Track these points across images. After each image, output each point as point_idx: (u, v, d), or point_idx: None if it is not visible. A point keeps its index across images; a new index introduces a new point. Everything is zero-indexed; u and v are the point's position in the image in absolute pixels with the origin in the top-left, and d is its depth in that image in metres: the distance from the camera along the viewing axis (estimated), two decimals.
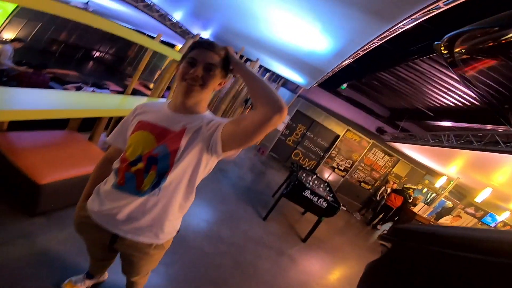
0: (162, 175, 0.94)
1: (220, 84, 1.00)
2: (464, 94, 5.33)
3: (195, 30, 7.73)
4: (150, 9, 5.99)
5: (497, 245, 0.65)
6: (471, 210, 9.48)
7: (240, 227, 3.51)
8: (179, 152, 0.93)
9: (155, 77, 12.41)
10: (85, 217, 1.07)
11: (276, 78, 9.09)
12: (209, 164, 1.00)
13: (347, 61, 4.67)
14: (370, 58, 5.12)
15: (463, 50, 2.34)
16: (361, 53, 4.10)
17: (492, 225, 9.26)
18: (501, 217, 8.60)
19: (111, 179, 1.02)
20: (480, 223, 9.39)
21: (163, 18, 6.50)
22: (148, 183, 0.95)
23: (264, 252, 3.24)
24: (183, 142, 0.93)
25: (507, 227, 9.22)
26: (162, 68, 12.19)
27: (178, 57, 3.31)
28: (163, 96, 3.96)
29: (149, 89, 7.73)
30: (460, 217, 7.61)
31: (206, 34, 7.99)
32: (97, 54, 13.52)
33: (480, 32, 1.99)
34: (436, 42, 2.70)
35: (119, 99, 3.04)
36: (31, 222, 1.90)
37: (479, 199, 6.04)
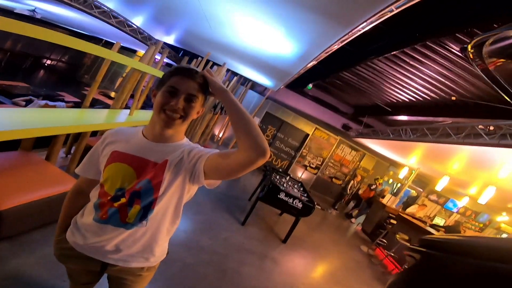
0: (147, 208, 0.93)
1: (198, 113, 0.98)
2: (416, 90, 5.80)
3: (157, 36, 7.49)
4: (107, 16, 5.67)
5: None
6: (434, 197, 10.28)
7: (220, 235, 3.46)
8: (162, 185, 0.92)
9: (117, 85, 11.76)
10: (67, 249, 1.00)
11: (244, 81, 9.11)
12: (190, 190, 1.00)
13: (311, 63, 4.83)
14: (332, 59, 5.35)
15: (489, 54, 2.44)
16: (324, 55, 4.27)
17: (454, 210, 10.10)
18: (461, 202, 9.34)
19: (90, 212, 0.97)
20: (443, 209, 10.23)
21: (122, 24, 6.20)
22: (133, 216, 0.93)
23: (247, 257, 3.23)
24: (166, 175, 0.92)
25: (468, 212, 10.19)
26: (124, 75, 11.59)
27: (139, 66, 3.16)
28: (126, 106, 3.77)
29: (110, 98, 7.31)
30: (425, 205, 8.22)
31: (169, 39, 7.78)
32: (48, 62, 12.47)
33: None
34: (464, 46, 2.77)
35: (76, 113, 2.83)
36: None
37: (439, 187, 6.54)
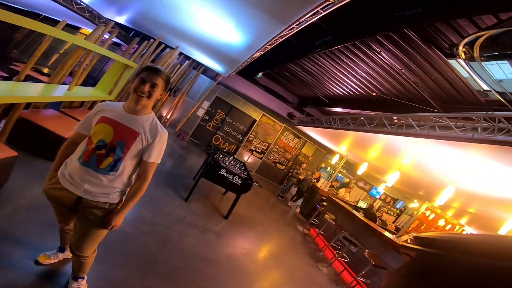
0: (117, 161, 1.38)
1: (161, 95, 1.45)
2: (348, 85, 6.63)
3: (107, 15, 6.99)
4: None
5: None
6: (362, 184, 11.79)
7: (162, 208, 3.60)
8: (131, 149, 1.39)
9: (51, 61, 10.55)
10: (55, 183, 1.42)
11: (196, 65, 9.10)
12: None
13: (258, 53, 5.18)
14: (281, 51, 5.79)
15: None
16: (269, 47, 4.65)
17: (377, 196, 11.68)
18: (380, 188, 10.51)
19: (77, 156, 1.39)
20: (369, 195, 11.79)
21: (70, 2, 5.67)
22: (106, 164, 1.37)
23: (189, 230, 3.42)
24: (135, 144, 1.39)
25: (388, 198, 11.80)
26: (61, 52, 10.46)
27: (87, 45, 3.12)
28: (64, 83, 3.65)
29: (43, 74, 6.65)
30: (350, 188, 9.57)
31: (120, 19, 7.36)
32: None
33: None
34: (453, 47, 3.15)
35: (9, 86, 2.73)
36: None
37: (359, 171, 7.62)
